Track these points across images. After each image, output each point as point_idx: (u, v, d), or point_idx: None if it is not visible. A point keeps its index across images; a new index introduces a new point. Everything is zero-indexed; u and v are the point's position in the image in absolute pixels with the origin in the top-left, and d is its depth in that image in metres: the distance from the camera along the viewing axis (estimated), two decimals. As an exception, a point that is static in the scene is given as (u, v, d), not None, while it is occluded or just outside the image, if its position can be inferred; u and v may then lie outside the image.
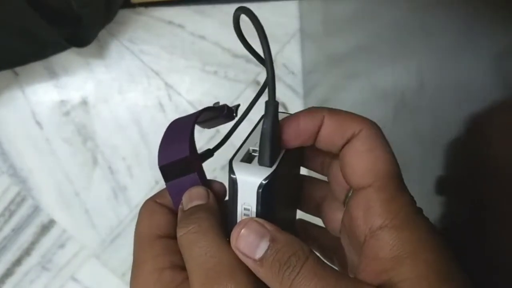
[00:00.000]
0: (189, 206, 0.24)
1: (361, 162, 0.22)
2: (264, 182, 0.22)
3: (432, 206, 0.26)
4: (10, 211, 0.89)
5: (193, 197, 0.24)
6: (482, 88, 0.22)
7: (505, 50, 0.20)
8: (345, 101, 0.53)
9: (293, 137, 0.23)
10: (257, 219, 0.22)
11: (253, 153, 0.23)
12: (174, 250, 0.24)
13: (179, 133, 0.25)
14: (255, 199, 0.22)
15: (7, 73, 0.87)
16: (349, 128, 0.23)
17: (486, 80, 0.21)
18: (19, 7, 0.71)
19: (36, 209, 0.89)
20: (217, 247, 0.22)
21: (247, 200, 0.22)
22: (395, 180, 0.22)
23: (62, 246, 0.89)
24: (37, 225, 0.89)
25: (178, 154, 0.24)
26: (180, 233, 0.23)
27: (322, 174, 0.27)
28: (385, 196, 0.22)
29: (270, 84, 0.21)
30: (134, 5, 0.87)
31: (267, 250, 0.21)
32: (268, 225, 0.22)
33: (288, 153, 0.23)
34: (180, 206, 0.25)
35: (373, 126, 0.23)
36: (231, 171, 0.22)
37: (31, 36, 0.77)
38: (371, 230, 0.21)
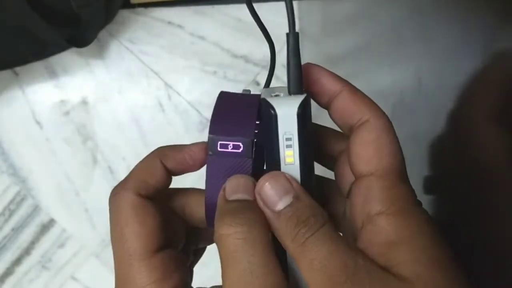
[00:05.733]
0: (234, 197, 0.22)
1: (366, 151, 0.22)
2: (301, 104, 0.22)
3: (430, 206, 0.27)
4: (10, 211, 0.89)
5: (241, 187, 0.22)
6: (481, 88, 0.22)
7: (503, 50, 0.20)
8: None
9: (315, 82, 0.24)
10: (286, 174, 0.22)
11: (274, 95, 0.24)
12: (174, 267, 0.23)
13: (243, 110, 0.24)
14: (296, 123, 0.22)
15: (7, 73, 0.87)
16: (359, 111, 0.23)
17: (484, 80, 0.22)
18: (19, 7, 0.71)
19: (36, 209, 0.89)
20: (264, 265, 0.20)
21: (288, 129, 0.22)
22: (398, 170, 0.22)
23: (62, 245, 0.90)
24: (37, 225, 0.89)
25: (240, 133, 0.23)
26: (222, 230, 0.21)
27: (329, 169, 0.27)
28: (385, 184, 0.22)
29: (289, 16, 0.22)
30: (134, 6, 0.88)
31: (289, 205, 0.21)
32: (295, 183, 0.22)
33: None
34: (221, 192, 0.22)
35: (382, 116, 0.23)
36: (266, 104, 0.22)
37: (31, 36, 0.77)
38: (368, 216, 0.21)
